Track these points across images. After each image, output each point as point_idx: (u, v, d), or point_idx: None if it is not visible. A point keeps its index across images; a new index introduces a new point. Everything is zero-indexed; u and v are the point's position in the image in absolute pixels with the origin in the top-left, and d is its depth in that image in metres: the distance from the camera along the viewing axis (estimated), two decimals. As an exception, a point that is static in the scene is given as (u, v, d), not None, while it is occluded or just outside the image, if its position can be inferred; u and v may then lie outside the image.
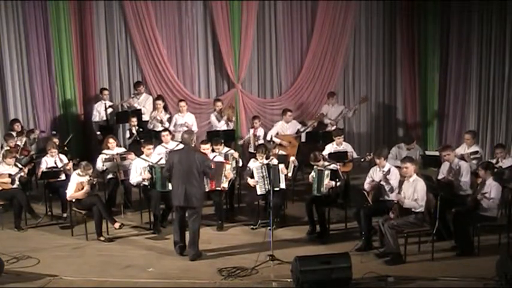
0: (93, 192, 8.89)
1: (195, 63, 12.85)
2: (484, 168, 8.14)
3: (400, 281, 7.21)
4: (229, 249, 8.34)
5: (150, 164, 9.24)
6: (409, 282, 7.21)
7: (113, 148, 9.99)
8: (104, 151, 10.01)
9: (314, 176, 8.92)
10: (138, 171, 9.36)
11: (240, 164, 9.94)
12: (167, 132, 10.35)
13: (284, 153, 10.52)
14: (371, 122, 13.10)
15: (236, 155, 9.86)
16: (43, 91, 12.27)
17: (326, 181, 8.76)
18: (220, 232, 9.08)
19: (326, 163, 9.19)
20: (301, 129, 11.45)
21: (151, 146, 9.66)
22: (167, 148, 10.00)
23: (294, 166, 9.79)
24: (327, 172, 8.79)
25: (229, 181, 9.39)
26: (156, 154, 9.75)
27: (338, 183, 8.77)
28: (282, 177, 9.08)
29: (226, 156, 9.62)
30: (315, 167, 9.00)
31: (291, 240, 8.69)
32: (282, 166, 9.15)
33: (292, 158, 9.83)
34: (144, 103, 12.14)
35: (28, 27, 11.92)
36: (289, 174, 9.55)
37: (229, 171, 9.30)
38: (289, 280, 7.20)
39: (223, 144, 9.86)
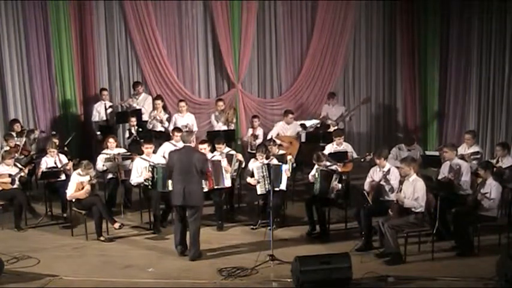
0: (93, 192, 8.89)
1: (195, 63, 12.85)
2: (484, 168, 8.15)
3: (400, 281, 7.21)
4: (229, 249, 8.33)
5: (152, 164, 9.23)
6: (409, 282, 7.21)
7: (113, 148, 9.97)
8: (103, 151, 10.01)
9: (316, 176, 8.91)
10: (139, 171, 9.35)
11: (243, 165, 9.91)
12: (180, 132, 10.24)
13: (283, 152, 10.53)
14: (371, 122, 13.12)
15: (240, 156, 9.83)
16: (43, 91, 12.27)
17: (334, 183, 8.75)
18: (220, 232, 9.08)
19: (328, 163, 9.20)
20: (301, 133, 11.42)
21: (151, 146, 9.64)
22: (176, 146, 9.93)
23: (292, 164, 9.76)
24: (335, 175, 8.78)
25: (231, 176, 9.37)
26: (162, 151, 9.73)
27: (342, 186, 8.79)
28: (285, 178, 9.06)
29: (228, 157, 9.58)
30: (317, 166, 9.00)
31: (291, 240, 8.69)
32: (286, 168, 9.11)
33: (289, 157, 9.80)
34: (142, 103, 12.12)
35: (28, 27, 11.92)
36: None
37: (226, 166, 9.29)
38: (289, 280, 7.20)
39: (225, 144, 9.85)
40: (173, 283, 7.31)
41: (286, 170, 9.08)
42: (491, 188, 7.93)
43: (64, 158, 9.88)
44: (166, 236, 8.76)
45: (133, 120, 11.21)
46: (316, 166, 9.05)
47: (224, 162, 9.28)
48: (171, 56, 12.77)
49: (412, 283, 7.20)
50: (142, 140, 10.10)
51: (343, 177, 8.99)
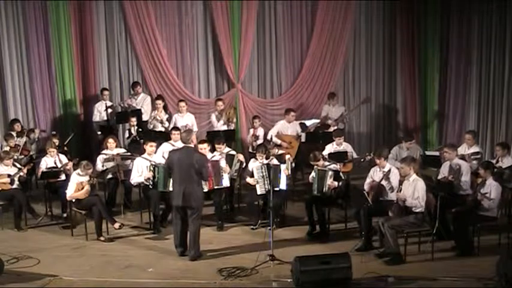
0: (93, 192, 8.89)
1: (195, 63, 12.83)
2: (484, 167, 8.15)
3: (400, 281, 7.21)
4: (229, 249, 8.34)
5: (153, 163, 9.20)
6: (409, 282, 7.21)
7: (112, 148, 9.97)
8: (103, 151, 10.00)
9: (314, 175, 8.92)
10: (139, 170, 9.34)
11: (244, 165, 9.91)
12: (178, 132, 10.23)
13: (282, 151, 10.51)
14: (371, 122, 13.12)
15: (241, 157, 9.81)
16: (43, 91, 12.26)
17: (329, 181, 8.76)
18: (220, 232, 9.08)
19: (326, 163, 9.19)
20: (301, 133, 11.41)
21: (154, 144, 9.62)
22: (174, 146, 9.92)
23: (291, 163, 9.74)
24: (330, 173, 8.79)
25: (232, 176, 9.36)
26: (161, 151, 9.73)
27: (340, 184, 8.78)
28: (284, 177, 9.06)
29: (228, 157, 9.57)
30: (315, 167, 9.00)
31: (291, 240, 8.69)
32: (284, 167, 9.11)
33: (287, 156, 9.78)
34: (141, 103, 12.11)
35: (28, 27, 11.92)
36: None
37: (225, 167, 9.28)
38: (289, 280, 7.20)
39: (225, 144, 9.84)
40: (173, 283, 7.31)
41: (284, 169, 9.08)
42: (491, 188, 7.93)
43: (64, 158, 9.88)
44: (166, 236, 8.76)
45: (133, 120, 11.21)
46: (314, 167, 9.05)
47: (223, 163, 9.28)
48: (171, 56, 12.75)
49: (412, 283, 7.20)
50: (142, 140, 10.08)
51: (341, 175, 8.98)
